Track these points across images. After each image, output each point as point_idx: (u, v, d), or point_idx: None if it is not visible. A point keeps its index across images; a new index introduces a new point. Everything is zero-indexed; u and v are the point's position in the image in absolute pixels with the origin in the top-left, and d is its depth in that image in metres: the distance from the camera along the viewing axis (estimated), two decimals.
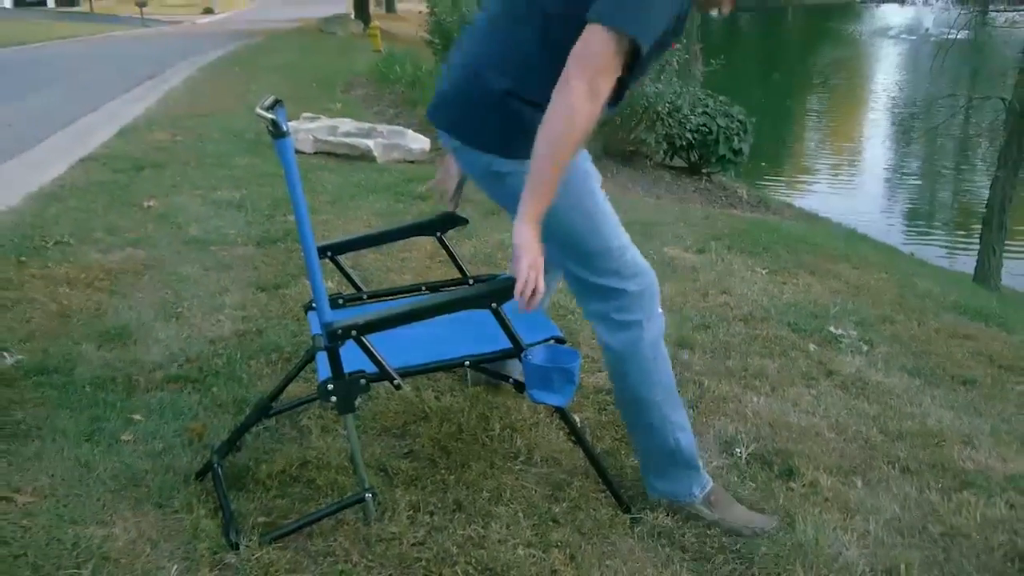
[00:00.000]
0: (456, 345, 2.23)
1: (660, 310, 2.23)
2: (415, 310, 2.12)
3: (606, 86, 1.89)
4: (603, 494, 2.36)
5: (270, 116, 1.86)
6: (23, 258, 4.19)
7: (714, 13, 2.22)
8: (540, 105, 1.92)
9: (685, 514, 2.32)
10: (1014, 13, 11.49)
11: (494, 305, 2.07)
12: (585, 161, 2.20)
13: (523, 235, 1.92)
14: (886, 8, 46.82)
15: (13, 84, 13.45)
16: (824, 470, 2.61)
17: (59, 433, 2.57)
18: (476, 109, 2.11)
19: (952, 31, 11.27)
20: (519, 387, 2.23)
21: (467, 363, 2.23)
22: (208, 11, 44.30)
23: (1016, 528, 2.40)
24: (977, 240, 9.75)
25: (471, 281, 2.65)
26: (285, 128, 1.88)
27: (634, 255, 2.20)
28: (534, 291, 1.91)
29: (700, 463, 2.34)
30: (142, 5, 36.52)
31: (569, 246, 2.16)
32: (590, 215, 2.15)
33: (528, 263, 1.91)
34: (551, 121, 1.89)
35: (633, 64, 1.94)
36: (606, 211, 2.18)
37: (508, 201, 2.08)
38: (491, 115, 2.09)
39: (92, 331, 3.35)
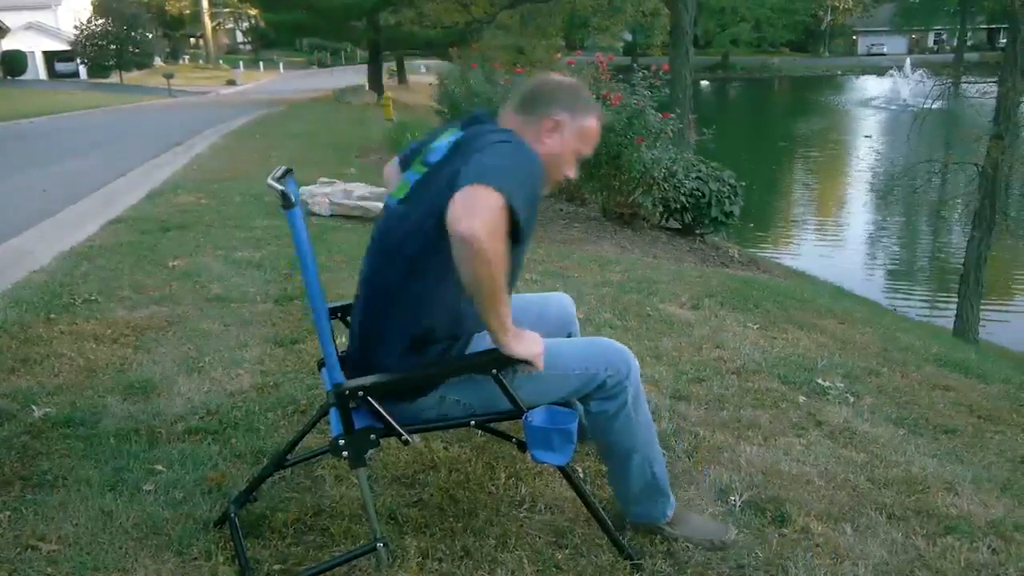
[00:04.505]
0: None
1: (635, 362, 2.25)
2: (420, 374, 2.12)
3: (503, 237, 1.83)
4: (604, 541, 2.33)
5: (280, 188, 1.87)
6: (52, 315, 4.20)
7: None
8: (428, 338, 2.09)
9: (650, 530, 2.39)
10: (984, 84, 11.60)
11: (495, 371, 2.07)
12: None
13: (518, 348, 2.01)
14: (865, 79, 47.37)
15: (48, 151, 13.60)
16: (815, 516, 2.58)
17: (83, 483, 2.56)
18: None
19: (928, 101, 11.39)
20: (521, 447, 2.22)
21: (472, 423, 2.21)
22: (231, 83, 44.95)
23: (999, 572, 2.37)
24: (955, 296, 9.76)
25: None
26: (294, 199, 1.88)
27: (588, 350, 2.25)
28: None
29: (668, 487, 2.39)
30: (169, 77, 37.07)
31: (549, 398, 2.20)
32: (544, 377, 2.13)
33: (535, 357, 2.03)
34: (476, 281, 1.85)
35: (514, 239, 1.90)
36: (553, 353, 2.12)
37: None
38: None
39: (117, 385, 3.34)
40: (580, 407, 2.24)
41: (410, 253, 2.06)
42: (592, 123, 2.24)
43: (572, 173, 2.28)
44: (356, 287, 2.28)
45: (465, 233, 1.78)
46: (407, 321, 2.09)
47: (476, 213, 1.79)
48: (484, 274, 1.83)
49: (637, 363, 2.27)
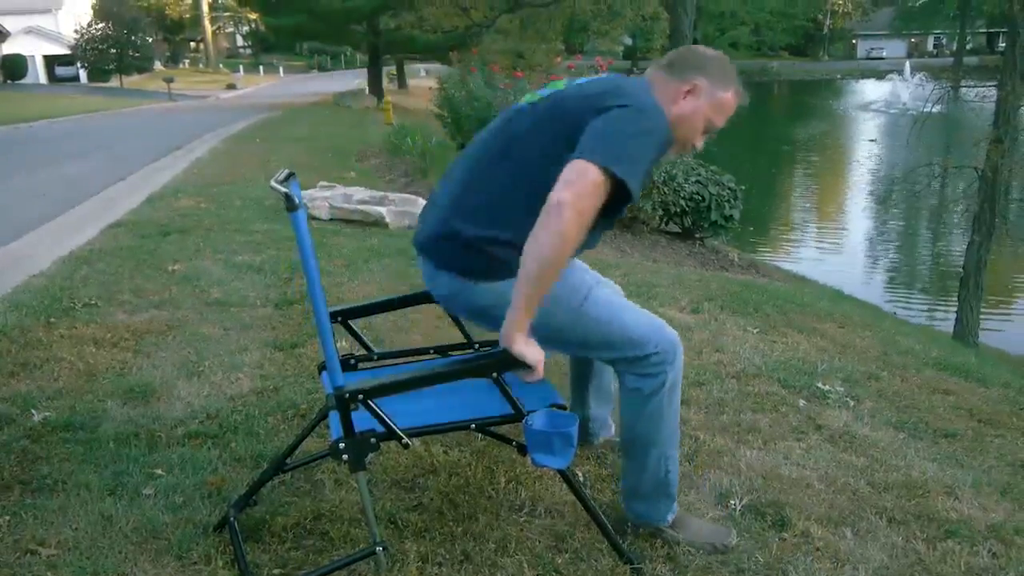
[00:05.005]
0: (463, 408, 2.22)
1: (682, 354, 2.28)
2: (420, 377, 2.12)
3: (590, 217, 1.96)
4: (605, 545, 2.33)
5: (283, 190, 1.87)
6: (52, 319, 4.20)
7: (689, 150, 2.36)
8: (511, 243, 2.05)
9: (651, 533, 2.40)
10: (984, 88, 11.61)
11: (495, 375, 2.07)
12: (573, 274, 2.23)
13: (520, 347, 2.01)
14: (865, 83, 47.39)
15: (48, 154, 13.61)
16: (815, 521, 2.58)
17: (83, 487, 2.56)
18: (448, 249, 2.21)
19: (927, 105, 11.39)
20: (521, 450, 2.22)
21: (472, 426, 2.22)
22: (231, 87, 45.00)
23: None
24: (955, 299, 9.75)
25: (477, 346, 2.65)
26: (298, 201, 1.89)
27: (649, 320, 2.25)
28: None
29: (676, 493, 2.41)
30: (169, 81, 37.09)
31: (589, 346, 2.27)
32: (593, 318, 2.20)
33: (537, 363, 2.02)
34: (541, 245, 1.93)
35: (619, 200, 2.02)
36: (609, 303, 2.23)
37: (474, 315, 2.27)
38: (460, 255, 2.18)
39: (117, 389, 3.34)
40: (578, 420, 2.23)
41: (520, 160, 2.15)
42: (729, 97, 2.29)
43: (699, 144, 2.32)
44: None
45: (556, 204, 1.91)
46: (493, 219, 2.14)
47: (575, 189, 1.92)
48: (549, 247, 1.92)
49: (683, 357, 2.29)
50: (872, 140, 27.19)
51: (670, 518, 2.39)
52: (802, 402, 3.59)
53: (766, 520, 2.57)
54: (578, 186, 1.93)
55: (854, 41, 71.08)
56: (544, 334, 2.11)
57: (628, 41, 49.34)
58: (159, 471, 2.68)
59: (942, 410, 3.76)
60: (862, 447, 3.19)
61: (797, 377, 3.88)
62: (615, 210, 2.07)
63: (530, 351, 2.02)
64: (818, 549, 2.43)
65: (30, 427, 2.96)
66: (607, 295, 2.26)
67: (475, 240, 2.14)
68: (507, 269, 2.05)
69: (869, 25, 68.79)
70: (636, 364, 2.22)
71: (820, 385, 3.79)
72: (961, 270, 9.80)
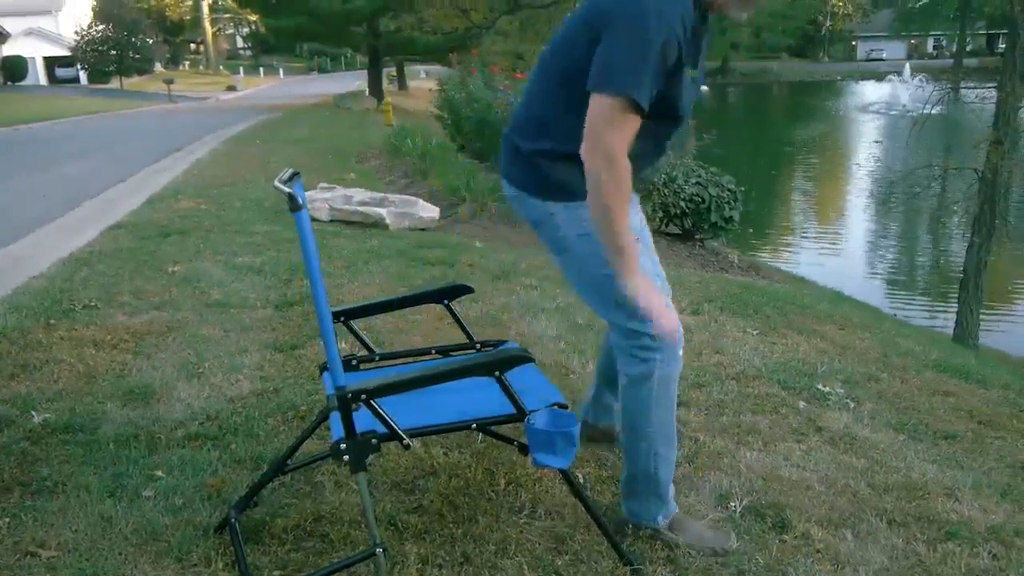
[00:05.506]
0: (464, 408, 2.22)
1: (678, 359, 2.33)
2: (423, 377, 2.12)
3: (620, 145, 2.03)
4: (605, 547, 2.33)
5: (287, 190, 1.88)
6: (52, 320, 4.20)
7: (735, 15, 2.29)
8: (553, 153, 2.19)
9: (650, 535, 2.42)
10: (984, 89, 11.60)
11: (498, 373, 2.07)
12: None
13: (633, 287, 2.13)
14: (865, 84, 47.40)
15: (48, 156, 13.61)
16: (815, 522, 2.58)
17: (83, 489, 2.55)
18: (518, 166, 2.33)
19: (927, 106, 11.38)
20: (523, 450, 2.22)
21: (474, 426, 2.21)
22: (231, 88, 45.03)
23: None
24: (955, 301, 9.75)
25: (478, 346, 2.65)
26: (302, 202, 1.89)
27: (661, 304, 2.27)
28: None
29: (671, 497, 2.45)
30: (170, 82, 37.11)
31: (597, 296, 2.32)
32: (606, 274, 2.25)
33: (654, 297, 2.16)
34: (590, 194, 2.08)
35: (661, 109, 2.10)
36: (641, 268, 2.27)
37: (554, 242, 2.32)
38: (529, 171, 2.29)
39: (117, 390, 3.34)
40: (580, 420, 2.23)
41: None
42: None
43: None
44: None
45: (584, 158, 2.05)
46: (539, 131, 2.26)
47: (594, 142, 2.03)
48: (598, 197, 2.07)
49: (681, 363, 2.35)
50: (877, 142, 27.16)
51: (661, 520, 2.41)
52: (802, 404, 3.59)
53: (766, 522, 2.57)
54: (590, 129, 2.03)
55: (854, 43, 71.12)
56: (582, 278, 2.31)
57: None
58: (159, 473, 2.68)
59: (942, 412, 3.75)
60: (862, 449, 3.19)
61: (797, 379, 3.88)
62: (662, 114, 2.13)
63: (645, 292, 2.13)
64: (818, 551, 2.43)
65: (30, 429, 2.96)
66: (642, 262, 2.26)
67: (528, 154, 2.26)
68: (552, 185, 2.22)
69: (869, 27, 68.82)
70: (631, 338, 2.27)
71: (820, 387, 3.79)
72: (961, 272, 9.80)
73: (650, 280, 2.21)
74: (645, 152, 2.20)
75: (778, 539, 2.48)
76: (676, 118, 2.23)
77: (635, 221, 2.31)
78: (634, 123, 2.04)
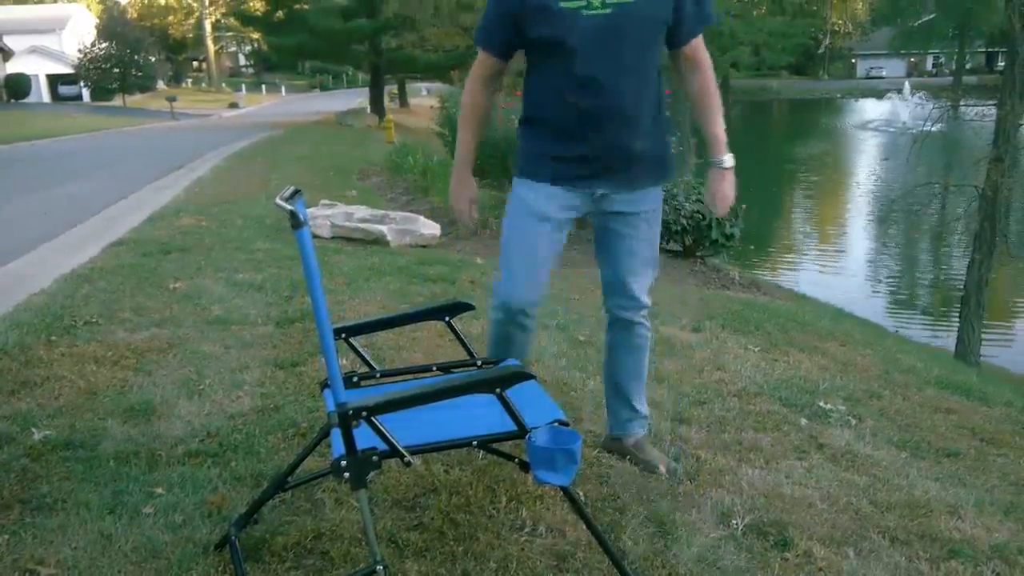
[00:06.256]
0: (465, 425, 2.21)
1: (502, 299, 2.71)
2: (424, 394, 2.11)
3: (468, 81, 2.71)
4: (607, 565, 2.32)
5: (289, 207, 1.87)
6: (53, 337, 4.20)
7: None
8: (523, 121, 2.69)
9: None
10: (984, 107, 11.64)
11: (499, 390, 2.06)
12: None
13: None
14: (864, 103, 47.54)
15: (50, 173, 13.65)
16: (817, 540, 2.57)
17: (83, 506, 2.55)
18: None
19: (927, 124, 11.41)
20: (524, 467, 2.21)
21: (475, 443, 2.21)
22: (233, 105, 45.24)
23: None
24: (956, 318, 9.75)
25: (479, 363, 2.64)
26: (304, 219, 1.89)
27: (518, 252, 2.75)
28: None
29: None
30: (172, 100, 37.26)
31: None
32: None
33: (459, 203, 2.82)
34: None
35: (542, 45, 2.51)
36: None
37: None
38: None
39: (117, 407, 3.34)
40: (581, 438, 2.23)
41: None
42: None
43: None
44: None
45: None
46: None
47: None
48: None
49: (506, 302, 2.67)
50: (885, 159, 27.13)
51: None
52: (804, 421, 3.59)
53: (768, 540, 2.56)
54: None
55: (853, 60, 71.37)
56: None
57: None
58: (159, 490, 2.67)
59: (944, 429, 3.75)
60: (864, 466, 3.18)
61: (799, 396, 3.88)
62: (548, 51, 2.50)
63: (453, 195, 2.84)
64: (820, 569, 2.41)
65: (30, 445, 2.95)
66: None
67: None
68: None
69: (868, 44, 69.02)
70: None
71: (822, 404, 3.78)
72: (962, 289, 9.81)
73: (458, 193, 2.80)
74: (554, 87, 2.51)
75: (780, 557, 2.47)
76: (568, 52, 2.44)
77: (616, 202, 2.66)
78: (480, 63, 2.65)
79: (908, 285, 13.83)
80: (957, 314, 9.76)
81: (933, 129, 11.41)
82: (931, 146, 11.32)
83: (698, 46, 2.62)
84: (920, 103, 26.97)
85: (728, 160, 2.72)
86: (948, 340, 9.78)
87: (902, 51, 58.87)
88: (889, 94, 40.92)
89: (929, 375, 4.82)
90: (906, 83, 42.99)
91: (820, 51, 69.67)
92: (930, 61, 65.23)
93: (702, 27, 2.61)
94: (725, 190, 2.75)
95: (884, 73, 64.55)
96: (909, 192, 11.45)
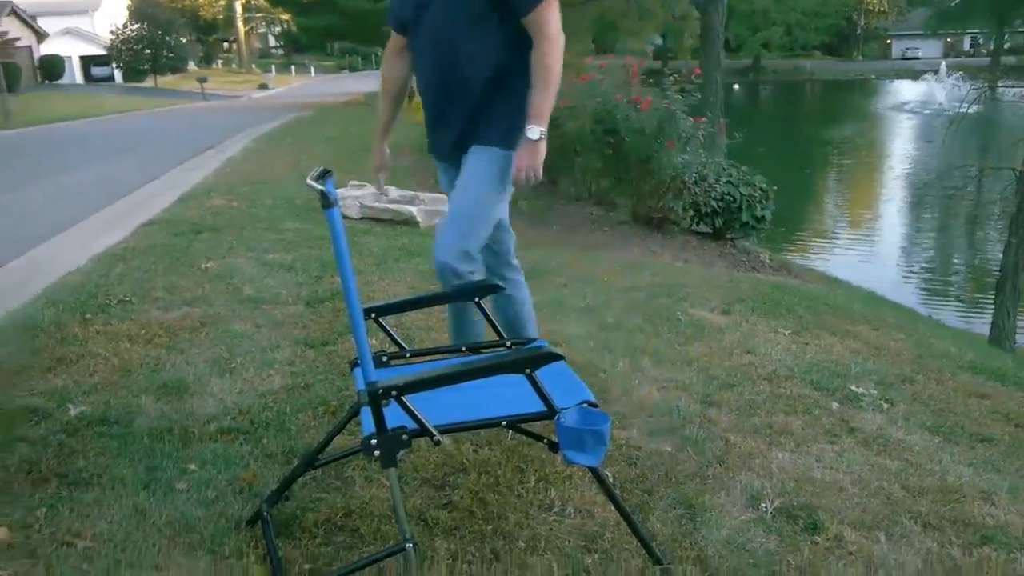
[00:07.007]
0: (494, 405, 2.22)
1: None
2: (453, 374, 2.13)
3: (384, 57, 3.13)
4: (634, 545, 2.32)
5: (319, 187, 1.88)
6: (88, 315, 4.25)
7: None
8: None
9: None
10: (1022, 88, 11.45)
11: (528, 371, 2.07)
12: None
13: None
14: (900, 83, 46.86)
15: (86, 154, 13.79)
16: (848, 524, 2.55)
17: (118, 481, 2.59)
18: None
19: (964, 105, 11.24)
20: (553, 447, 2.21)
21: (504, 423, 2.21)
22: (263, 87, 45.38)
23: None
24: (991, 303, 9.62)
25: (509, 344, 2.65)
26: (334, 198, 1.89)
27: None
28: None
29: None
30: (203, 81, 37.46)
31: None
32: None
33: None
34: None
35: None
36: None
37: None
38: None
39: (151, 385, 3.38)
40: (611, 418, 2.23)
41: None
42: None
43: None
44: None
45: None
46: None
47: None
48: None
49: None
50: (929, 141, 26.66)
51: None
52: (835, 405, 3.56)
53: (798, 523, 2.55)
54: None
55: (889, 41, 70.24)
56: None
57: (658, 41, 49.07)
58: (192, 466, 2.71)
59: (978, 414, 3.71)
60: (896, 451, 3.15)
61: (830, 379, 3.85)
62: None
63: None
64: (851, 553, 2.40)
65: (66, 421, 3.01)
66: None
67: None
68: None
69: (904, 25, 67.86)
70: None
71: (853, 388, 3.75)
72: (998, 272, 9.67)
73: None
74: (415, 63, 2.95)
75: (810, 541, 2.46)
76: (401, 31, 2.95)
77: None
78: (391, 40, 3.02)
79: (942, 269, 13.65)
80: (992, 299, 9.62)
81: (970, 111, 11.23)
82: (968, 128, 11.15)
83: (534, 21, 2.77)
84: (957, 84, 26.54)
85: (533, 132, 2.73)
86: (983, 325, 9.65)
87: (938, 31, 57.92)
88: (925, 75, 40.27)
89: (963, 360, 4.77)
90: (942, 64, 42.25)
91: (855, 31, 68.75)
92: (967, 41, 64.10)
93: (529, 8, 2.75)
94: (522, 159, 2.76)
95: (920, 54, 63.47)
96: (945, 174, 11.29)
